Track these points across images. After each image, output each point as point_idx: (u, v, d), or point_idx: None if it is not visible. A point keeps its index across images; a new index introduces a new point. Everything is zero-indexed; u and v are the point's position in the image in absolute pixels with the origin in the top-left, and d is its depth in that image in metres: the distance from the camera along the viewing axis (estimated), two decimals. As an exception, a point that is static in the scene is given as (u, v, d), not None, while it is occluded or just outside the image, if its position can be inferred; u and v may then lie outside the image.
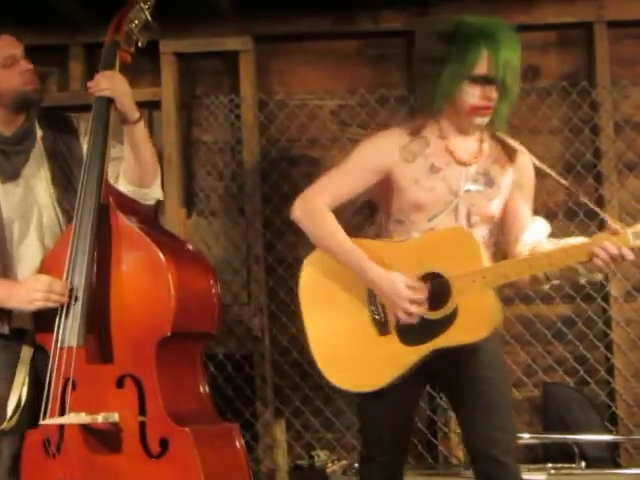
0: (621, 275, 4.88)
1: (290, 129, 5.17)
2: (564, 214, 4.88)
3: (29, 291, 3.17)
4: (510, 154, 3.42)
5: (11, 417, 3.26)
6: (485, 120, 3.32)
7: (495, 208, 3.38)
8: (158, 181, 3.52)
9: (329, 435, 5.02)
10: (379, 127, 5.06)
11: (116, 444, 3.10)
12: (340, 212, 3.42)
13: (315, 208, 3.36)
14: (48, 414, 3.12)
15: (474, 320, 3.18)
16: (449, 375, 3.35)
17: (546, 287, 3.38)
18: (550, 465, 4.42)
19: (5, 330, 3.35)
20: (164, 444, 3.04)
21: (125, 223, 3.19)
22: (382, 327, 3.28)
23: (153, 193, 3.50)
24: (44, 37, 5.07)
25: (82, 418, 3.07)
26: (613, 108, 4.99)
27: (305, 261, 3.44)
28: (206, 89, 5.26)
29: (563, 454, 4.56)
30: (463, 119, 3.33)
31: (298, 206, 3.38)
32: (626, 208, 4.95)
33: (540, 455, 4.75)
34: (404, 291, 3.19)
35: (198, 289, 3.27)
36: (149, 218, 3.43)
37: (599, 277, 3.29)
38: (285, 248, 5.09)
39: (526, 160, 3.44)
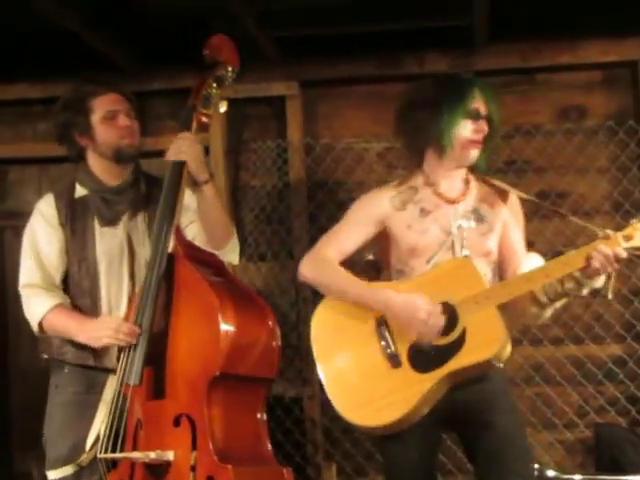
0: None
1: (337, 172, 5.21)
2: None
3: (99, 329, 3.38)
4: (500, 195, 3.58)
5: (89, 450, 3.45)
6: (477, 154, 3.49)
7: (489, 244, 3.50)
8: (232, 245, 3.65)
9: (380, 478, 4.99)
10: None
11: (173, 482, 3.20)
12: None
13: (321, 260, 3.52)
14: (117, 450, 3.26)
15: (482, 339, 3.26)
16: (463, 423, 3.41)
17: (548, 313, 3.43)
18: (604, 506, 4.38)
19: (90, 362, 3.54)
20: (211, 482, 3.11)
21: (189, 270, 3.31)
22: (394, 360, 3.36)
23: (224, 256, 3.60)
24: (93, 86, 5.15)
25: (135, 455, 3.20)
26: (661, 146, 4.97)
27: (314, 311, 3.56)
28: (253, 134, 5.32)
29: (616, 495, 4.52)
30: (456, 155, 3.48)
31: (304, 265, 3.55)
32: (676, 246, 4.91)
33: (593, 496, 4.71)
34: (423, 309, 3.29)
35: (255, 335, 3.34)
36: (219, 267, 3.49)
37: (600, 283, 3.30)
38: (333, 291, 5.11)
39: (516, 199, 3.61)
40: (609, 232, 3.22)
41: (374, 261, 3.76)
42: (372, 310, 3.42)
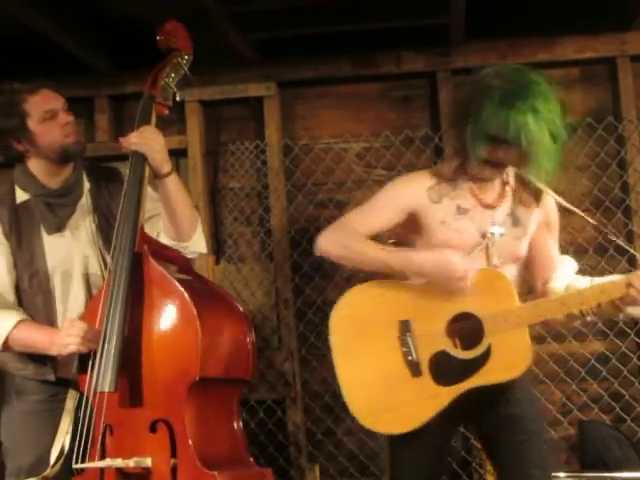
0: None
1: (316, 173, 5.19)
2: (594, 250, 4.85)
3: (64, 336, 3.18)
4: (535, 195, 3.42)
5: (54, 464, 3.29)
6: (494, 173, 3.30)
7: (523, 248, 3.39)
8: (198, 234, 3.50)
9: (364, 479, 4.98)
10: (405, 168, 5.08)
11: (150, 489, 3.12)
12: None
13: (342, 234, 3.37)
14: (87, 459, 3.12)
15: (508, 359, 3.16)
16: (482, 414, 3.33)
17: (577, 323, 3.35)
18: (589, 503, 4.38)
19: (51, 377, 3.38)
20: (194, 488, 3.05)
21: (158, 270, 3.19)
22: (415, 368, 3.25)
23: (193, 247, 3.49)
24: (70, 89, 5.06)
25: (114, 462, 3.07)
26: (640, 142, 4.97)
27: (335, 306, 3.41)
28: (232, 136, 5.29)
29: (601, 492, 4.51)
30: (479, 169, 3.29)
31: (323, 237, 3.40)
32: (657, 242, 4.91)
33: (578, 494, 4.70)
34: (456, 262, 3.17)
35: (230, 336, 3.26)
36: (185, 265, 3.40)
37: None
38: (314, 292, 5.09)
39: (550, 200, 3.46)
40: None
41: (394, 244, 3.60)
42: (397, 312, 3.29)
